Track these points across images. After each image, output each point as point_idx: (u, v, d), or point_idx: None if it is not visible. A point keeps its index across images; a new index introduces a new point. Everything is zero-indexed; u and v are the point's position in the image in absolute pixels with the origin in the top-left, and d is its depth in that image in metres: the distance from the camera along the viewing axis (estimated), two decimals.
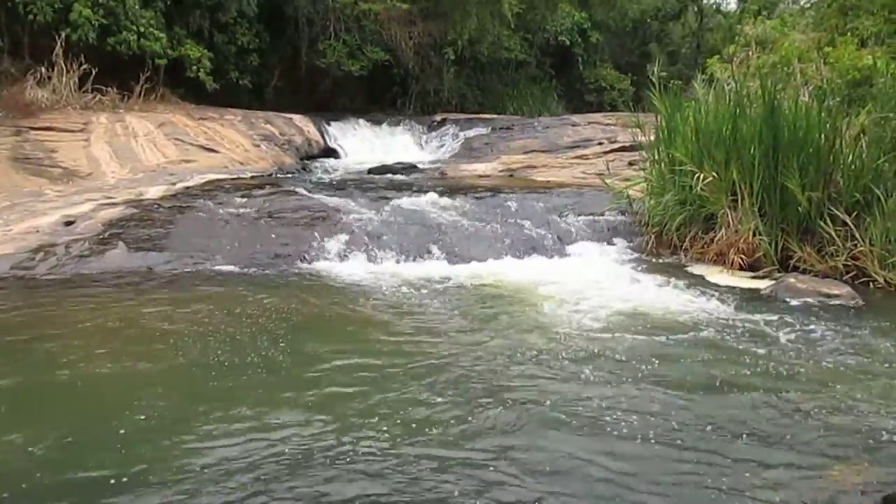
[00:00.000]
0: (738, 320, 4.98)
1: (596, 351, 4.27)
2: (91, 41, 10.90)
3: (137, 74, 11.82)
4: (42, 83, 10.61)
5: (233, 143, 11.21)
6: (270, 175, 10.28)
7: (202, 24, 13.39)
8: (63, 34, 10.77)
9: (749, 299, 5.62)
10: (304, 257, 6.49)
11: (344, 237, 6.75)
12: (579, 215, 7.67)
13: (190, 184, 8.55)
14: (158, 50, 11.86)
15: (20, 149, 8.96)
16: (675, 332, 4.64)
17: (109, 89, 11.42)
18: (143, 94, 11.86)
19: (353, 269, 6.28)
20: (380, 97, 17.55)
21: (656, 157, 7.67)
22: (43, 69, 10.68)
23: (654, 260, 6.92)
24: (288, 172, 10.86)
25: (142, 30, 11.60)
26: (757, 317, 5.08)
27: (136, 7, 11.60)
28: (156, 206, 7.26)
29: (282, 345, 4.34)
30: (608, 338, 4.52)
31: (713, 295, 5.63)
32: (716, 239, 6.74)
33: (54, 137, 9.51)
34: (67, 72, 10.82)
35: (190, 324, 4.69)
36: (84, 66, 10.89)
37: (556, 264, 6.68)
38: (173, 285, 5.68)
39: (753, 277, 6.29)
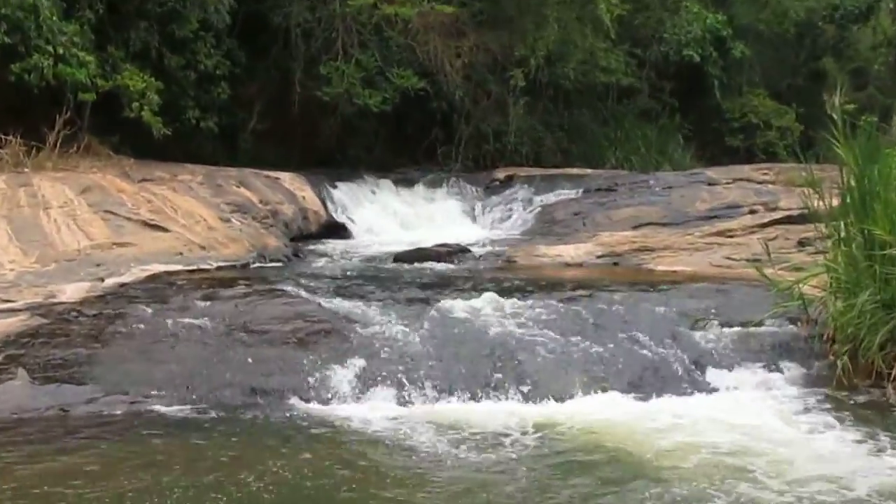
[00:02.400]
0: None
1: None
2: None
3: (53, 116, 12.13)
4: None
5: (190, 216, 11.33)
6: (246, 265, 10.39)
7: (148, 42, 13.84)
8: None
9: None
10: (298, 394, 6.54)
11: (359, 363, 6.83)
12: (724, 326, 7.60)
13: (126, 279, 8.63)
14: (83, 79, 12.23)
15: None
16: None
17: (11, 139, 11.78)
18: (59, 144, 12.18)
19: (375, 413, 6.31)
20: (412, 145, 17.85)
21: (843, 234, 7.64)
22: None
23: (847, 397, 6.75)
24: (273, 260, 10.96)
25: (60, 51, 12.03)
26: None
27: (54, 19, 12.06)
28: (74, 313, 7.33)
29: None
30: None
31: None
32: None
33: None
34: None
35: None
36: None
37: (689, 405, 6.61)
38: (97, 438, 5.65)
39: None
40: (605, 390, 6.80)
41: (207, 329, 7.15)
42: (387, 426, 6.06)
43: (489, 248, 12.29)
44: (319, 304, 7.73)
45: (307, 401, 6.46)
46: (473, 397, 6.66)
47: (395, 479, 5.17)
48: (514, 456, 5.60)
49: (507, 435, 5.93)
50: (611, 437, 5.90)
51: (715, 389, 6.96)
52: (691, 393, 6.87)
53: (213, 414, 6.20)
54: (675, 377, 7.02)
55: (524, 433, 5.98)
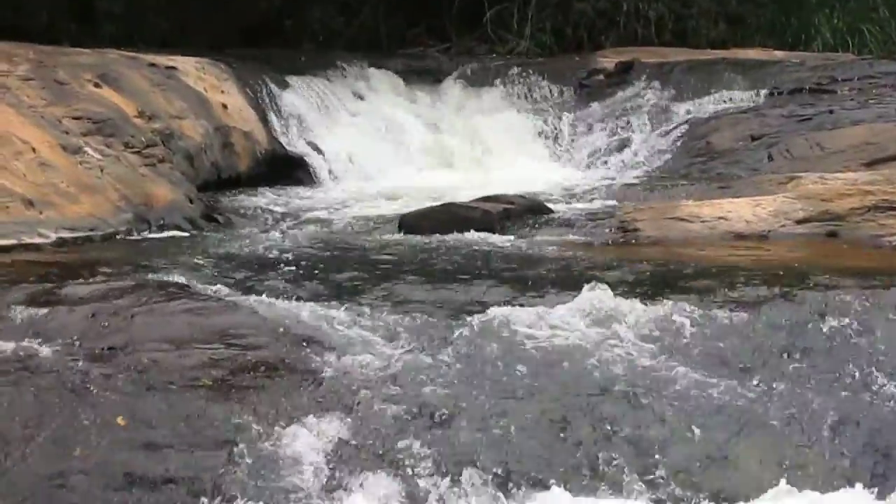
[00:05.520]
0: None
1: None
2: None
3: None
4: None
5: (6, 143, 8.88)
6: (113, 235, 8.38)
7: None
8: None
9: None
10: (214, 489, 4.80)
11: (332, 428, 5.00)
12: None
13: None
14: None
15: None
16: None
17: None
18: None
19: None
20: (433, 4, 13.84)
21: None
22: None
23: None
24: (165, 227, 8.79)
25: None
26: None
27: None
28: None
29: None
30: None
31: None
32: None
33: None
34: None
35: None
36: None
37: None
38: None
39: None
40: (815, 484, 4.77)
41: (39, 361, 5.32)
42: None
43: (586, 205, 9.55)
44: (254, 312, 5.77)
45: (230, 501, 4.59)
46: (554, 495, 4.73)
47: None
48: None
49: None
50: None
51: None
52: None
53: None
54: None
55: None
